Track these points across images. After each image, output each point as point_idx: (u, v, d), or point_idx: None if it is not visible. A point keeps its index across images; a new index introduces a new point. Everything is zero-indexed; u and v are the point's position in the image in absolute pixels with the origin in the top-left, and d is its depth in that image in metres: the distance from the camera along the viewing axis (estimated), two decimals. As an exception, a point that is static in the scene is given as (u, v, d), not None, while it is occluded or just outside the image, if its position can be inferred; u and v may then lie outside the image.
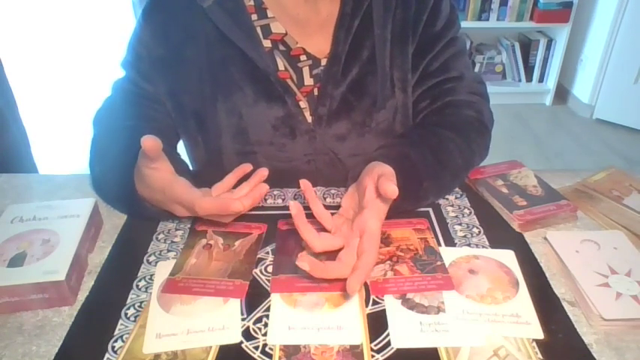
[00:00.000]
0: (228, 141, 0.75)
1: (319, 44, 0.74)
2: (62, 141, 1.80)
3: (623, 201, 0.67)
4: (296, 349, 0.46)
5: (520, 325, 0.48)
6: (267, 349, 0.47)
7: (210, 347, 0.46)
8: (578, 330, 0.49)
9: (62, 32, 1.77)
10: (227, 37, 0.69)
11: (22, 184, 0.74)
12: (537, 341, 0.47)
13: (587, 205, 0.66)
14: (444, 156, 0.66)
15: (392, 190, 0.51)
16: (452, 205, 0.67)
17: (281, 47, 0.73)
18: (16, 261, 0.53)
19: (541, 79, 2.98)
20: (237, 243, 0.59)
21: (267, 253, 0.59)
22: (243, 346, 0.47)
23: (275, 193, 0.70)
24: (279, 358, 0.45)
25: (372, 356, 0.46)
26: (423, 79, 0.77)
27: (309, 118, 0.75)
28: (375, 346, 0.47)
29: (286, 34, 0.73)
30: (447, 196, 0.69)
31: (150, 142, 0.50)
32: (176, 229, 0.63)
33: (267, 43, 0.73)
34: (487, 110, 0.79)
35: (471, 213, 0.66)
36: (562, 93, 2.99)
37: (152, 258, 0.58)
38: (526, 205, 0.64)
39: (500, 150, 2.42)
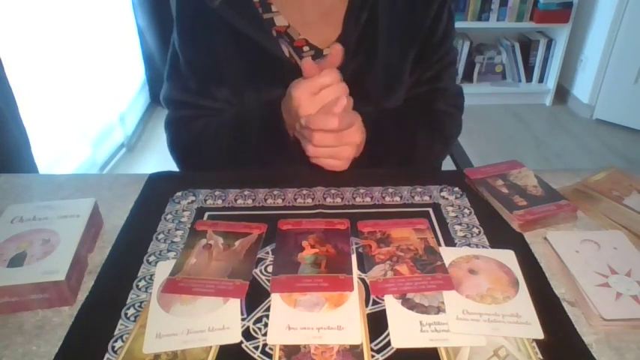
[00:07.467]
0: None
1: (322, 34, 0.77)
2: (62, 141, 1.80)
3: (623, 201, 0.67)
4: (296, 349, 0.46)
5: (520, 325, 0.48)
6: (267, 349, 0.47)
7: (210, 347, 0.46)
8: (578, 330, 0.49)
9: (62, 32, 1.77)
10: (241, 32, 0.74)
11: (22, 184, 0.74)
12: (537, 341, 0.47)
13: (587, 205, 0.66)
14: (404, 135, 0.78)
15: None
16: (452, 205, 0.67)
17: (285, 38, 0.77)
18: (16, 261, 0.53)
19: (541, 80, 2.98)
20: (237, 243, 0.59)
21: (267, 253, 0.59)
22: (243, 346, 0.47)
23: (275, 193, 0.70)
24: (279, 358, 0.45)
25: (372, 356, 0.46)
26: (414, 85, 0.82)
27: None
28: (375, 346, 0.47)
29: (289, 26, 0.77)
30: (447, 196, 0.69)
31: (309, 63, 0.63)
32: (176, 229, 0.63)
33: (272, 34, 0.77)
34: (457, 122, 0.87)
35: (471, 213, 0.66)
36: (562, 93, 2.99)
37: (152, 258, 0.58)
38: (526, 205, 0.64)
39: (500, 150, 2.42)
